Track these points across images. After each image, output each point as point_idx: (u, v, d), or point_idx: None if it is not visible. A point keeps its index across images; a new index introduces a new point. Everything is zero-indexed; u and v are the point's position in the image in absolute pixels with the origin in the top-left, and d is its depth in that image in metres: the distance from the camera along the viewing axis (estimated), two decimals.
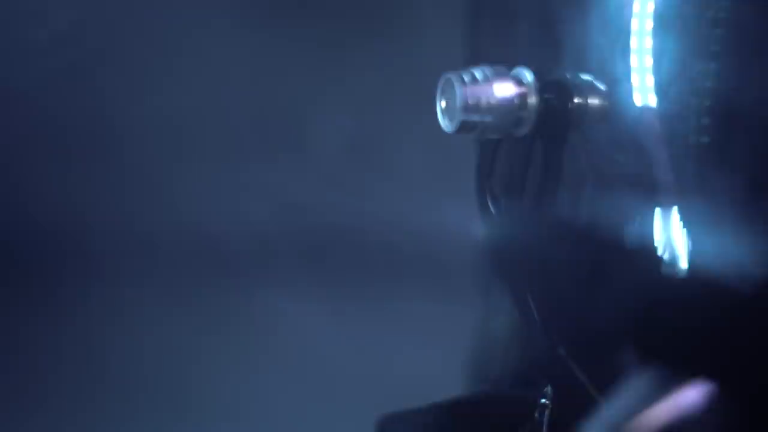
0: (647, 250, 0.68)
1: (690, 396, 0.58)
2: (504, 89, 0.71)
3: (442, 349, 1.01)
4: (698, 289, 0.64)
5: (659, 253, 0.72)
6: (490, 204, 0.79)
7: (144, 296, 1.73)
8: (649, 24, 0.74)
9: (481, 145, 0.80)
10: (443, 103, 0.73)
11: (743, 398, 0.59)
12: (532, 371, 0.79)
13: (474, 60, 0.77)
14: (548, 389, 0.78)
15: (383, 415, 0.87)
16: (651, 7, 0.74)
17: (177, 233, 1.76)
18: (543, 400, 0.81)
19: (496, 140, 0.78)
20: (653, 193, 0.73)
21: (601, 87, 0.73)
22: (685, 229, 0.72)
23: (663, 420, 0.58)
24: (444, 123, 0.73)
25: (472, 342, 0.94)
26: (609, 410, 0.59)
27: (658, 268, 0.69)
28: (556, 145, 0.73)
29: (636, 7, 0.74)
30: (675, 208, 0.73)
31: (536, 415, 0.80)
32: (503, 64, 0.75)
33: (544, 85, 0.73)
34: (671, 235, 0.73)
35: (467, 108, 0.71)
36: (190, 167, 1.83)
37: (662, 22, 0.73)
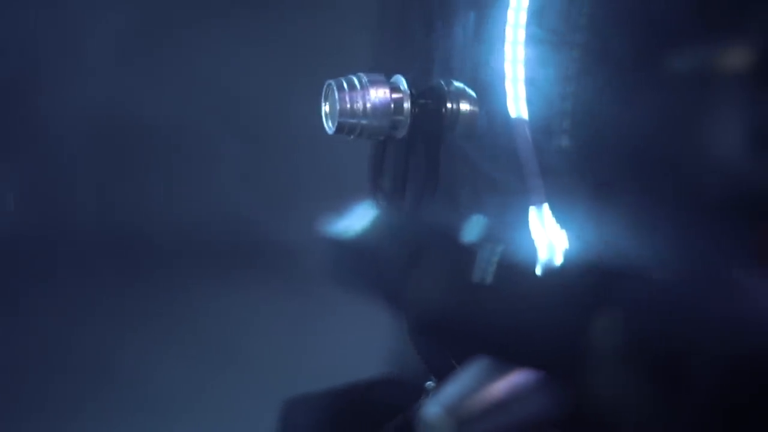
0: (506, 248, 0.73)
1: (520, 378, 0.64)
2: (380, 95, 0.77)
3: (357, 341, 1.07)
4: (542, 282, 0.69)
5: (534, 250, 0.77)
6: (379, 201, 0.85)
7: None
8: (522, 34, 0.79)
9: (374, 146, 0.86)
10: (326, 108, 0.79)
11: (569, 383, 0.64)
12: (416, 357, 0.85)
13: (374, 68, 0.83)
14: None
15: (289, 397, 0.93)
16: (523, 18, 0.79)
17: (99, 230, 1.81)
18: (429, 383, 0.86)
19: (385, 141, 0.84)
20: (524, 194, 0.78)
21: (473, 94, 0.78)
22: (556, 227, 0.78)
23: (495, 399, 0.63)
24: (327, 125, 0.79)
25: (384, 332, 1.00)
26: (446, 390, 0.65)
27: (520, 266, 0.74)
28: (431, 146, 0.79)
29: (510, 18, 0.80)
30: (545, 208, 0.78)
31: (423, 396, 0.86)
32: (391, 71, 0.81)
33: (421, 91, 0.78)
34: (544, 233, 0.78)
35: (344, 112, 0.76)
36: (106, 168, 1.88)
37: (530, 29, 0.78)
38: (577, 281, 0.67)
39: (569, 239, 0.75)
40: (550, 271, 0.72)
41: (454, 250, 0.75)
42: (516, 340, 0.65)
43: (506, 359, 0.64)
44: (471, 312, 0.68)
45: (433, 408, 0.63)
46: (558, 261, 0.76)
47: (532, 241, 0.77)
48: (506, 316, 0.66)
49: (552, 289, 0.67)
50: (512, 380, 0.64)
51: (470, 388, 0.64)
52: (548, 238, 0.78)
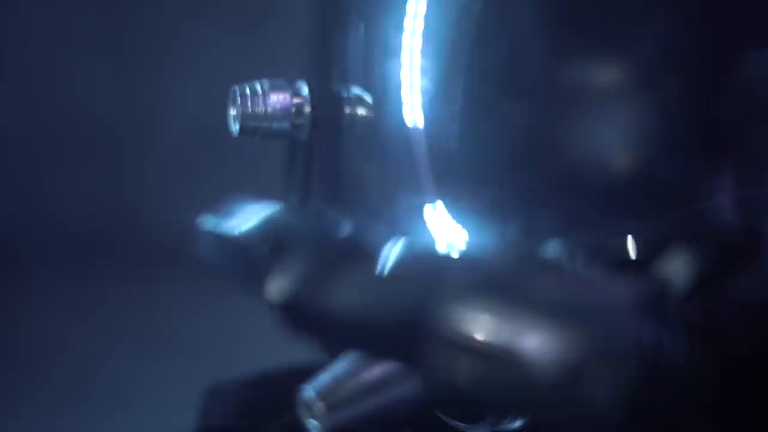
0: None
1: (392, 366, 0.69)
2: (281, 99, 0.82)
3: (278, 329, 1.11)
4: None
5: (430, 246, 0.82)
6: (292, 202, 0.90)
7: None
8: (418, 42, 0.84)
9: (286, 149, 0.91)
10: (233, 111, 0.84)
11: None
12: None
13: (280, 73, 0.87)
14: None
15: (208, 385, 0.97)
16: (420, 26, 0.84)
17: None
18: None
19: (294, 144, 0.89)
20: (419, 194, 0.83)
21: (369, 100, 0.83)
22: (451, 224, 0.82)
23: (366, 384, 0.68)
24: (233, 128, 0.84)
25: None
26: (321, 376, 0.69)
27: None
28: (331, 149, 0.84)
29: (408, 26, 0.84)
30: (439, 206, 0.83)
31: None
32: (296, 77, 0.86)
33: (321, 96, 0.83)
34: (439, 230, 0.83)
35: (246, 115, 0.81)
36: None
37: (426, 35, 0.82)
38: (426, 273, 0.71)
39: (463, 235, 0.80)
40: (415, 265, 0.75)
41: (338, 248, 0.79)
42: (381, 332, 0.69)
43: (371, 352, 0.69)
44: (341, 307, 0.72)
45: (306, 392, 0.68)
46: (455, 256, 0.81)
47: (429, 237, 0.82)
48: (376, 310, 0.70)
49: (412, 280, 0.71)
50: (385, 368, 0.69)
51: (343, 375, 0.69)
52: (443, 234, 0.83)
